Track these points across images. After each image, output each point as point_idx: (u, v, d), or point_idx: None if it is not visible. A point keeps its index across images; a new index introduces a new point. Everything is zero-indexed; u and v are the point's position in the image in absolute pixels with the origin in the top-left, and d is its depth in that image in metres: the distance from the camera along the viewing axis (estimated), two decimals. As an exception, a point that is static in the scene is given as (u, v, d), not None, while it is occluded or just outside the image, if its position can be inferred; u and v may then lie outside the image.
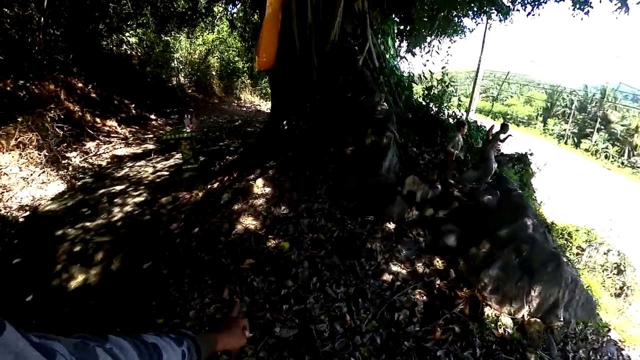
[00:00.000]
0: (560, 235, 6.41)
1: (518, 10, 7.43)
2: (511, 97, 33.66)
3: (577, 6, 5.79)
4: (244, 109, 17.91)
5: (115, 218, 5.02)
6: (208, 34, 16.65)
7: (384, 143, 4.49)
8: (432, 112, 6.23)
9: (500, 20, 7.91)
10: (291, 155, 5.26)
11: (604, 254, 6.49)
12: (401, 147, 5.22)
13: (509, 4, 7.27)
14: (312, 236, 3.74)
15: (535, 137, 22.21)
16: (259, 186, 4.91)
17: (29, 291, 3.50)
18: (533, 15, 7.10)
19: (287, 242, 3.66)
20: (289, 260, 3.36)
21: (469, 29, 9.08)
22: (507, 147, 7.31)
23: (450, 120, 6.51)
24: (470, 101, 13.35)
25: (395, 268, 3.19)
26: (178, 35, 14.35)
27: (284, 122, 6.03)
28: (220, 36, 16.91)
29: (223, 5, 12.93)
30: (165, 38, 13.85)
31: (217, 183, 5.62)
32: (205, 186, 5.67)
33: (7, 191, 5.71)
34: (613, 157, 22.84)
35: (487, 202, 3.75)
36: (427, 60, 8.34)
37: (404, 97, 6.77)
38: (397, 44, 9.01)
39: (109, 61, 11.52)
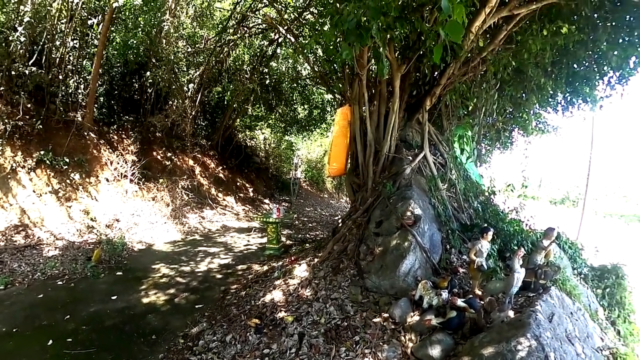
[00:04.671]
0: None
1: (607, 95, 7.14)
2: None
3: None
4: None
5: (199, 270, 6.71)
6: (324, 137, 20.20)
7: (404, 247, 4.93)
8: (489, 219, 6.11)
9: (591, 110, 7.54)
10: (335, 249, 6.12)
11: None
12: (435, 253, 5.39)
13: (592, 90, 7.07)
14: (314, 318, 4.33)
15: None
16: (300, 270, 5.91)
17: (115, 294, 5.32)
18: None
19: (291, 317, 4.38)
20: (284, 330, 4.06)
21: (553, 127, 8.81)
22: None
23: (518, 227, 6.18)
24: (584, 204, 11.73)
25: (366, 363, 3.44)
26: (300, 137, 18.01)
27: (339, 222, 7.08)
28: (334, 141, 20.29)
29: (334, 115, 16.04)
30: (288, 138, 17.61)
31: (281, 262, 6.81)
32: (272, 264, 6.93)
33: (135, 226, 8.38)
34: None
35: (495, 317, 3.62)
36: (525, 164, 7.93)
37: (477, 203, 6.79)
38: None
39: (239, 150, 15.41)
